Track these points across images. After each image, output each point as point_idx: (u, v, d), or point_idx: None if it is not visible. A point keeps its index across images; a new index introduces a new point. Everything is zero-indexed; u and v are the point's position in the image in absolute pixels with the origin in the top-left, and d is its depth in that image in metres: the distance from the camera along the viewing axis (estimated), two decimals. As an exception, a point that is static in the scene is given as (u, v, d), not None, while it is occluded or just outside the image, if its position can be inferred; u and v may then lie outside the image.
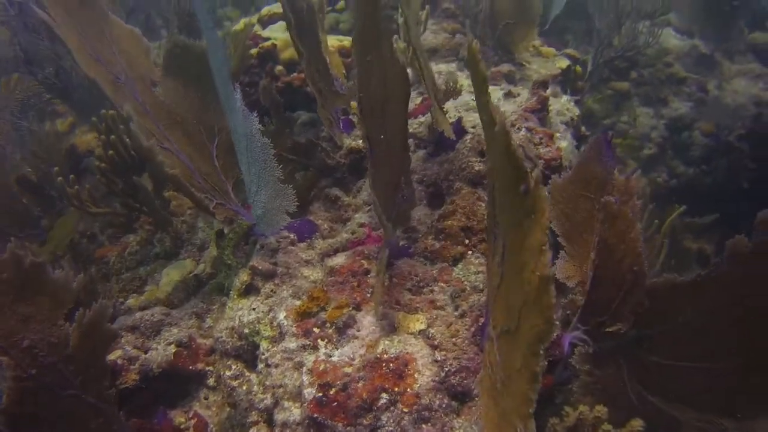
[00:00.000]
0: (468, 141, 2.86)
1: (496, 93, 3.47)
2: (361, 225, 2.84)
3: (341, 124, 3.41)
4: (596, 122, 5.67)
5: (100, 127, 3.46)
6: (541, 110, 3.07)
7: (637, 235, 1.98)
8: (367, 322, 2.31)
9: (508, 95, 3.32)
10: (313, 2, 3.26)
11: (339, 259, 2.62)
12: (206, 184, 3.11)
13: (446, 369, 2.10)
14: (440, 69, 4.18)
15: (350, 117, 3.57)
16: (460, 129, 2.94)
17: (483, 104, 1.62)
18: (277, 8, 4.82)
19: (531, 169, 1.37)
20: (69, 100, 4.55)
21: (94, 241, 4.10)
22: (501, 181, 1.54)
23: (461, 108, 3.34)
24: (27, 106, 4.49)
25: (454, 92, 2.93)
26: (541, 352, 1.27)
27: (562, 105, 3.77)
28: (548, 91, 3.71)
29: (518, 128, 2.89)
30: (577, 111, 3.82)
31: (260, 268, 2.63)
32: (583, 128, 3.92)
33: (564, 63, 4.22)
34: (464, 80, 4.01)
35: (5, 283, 2.15)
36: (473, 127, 3.00)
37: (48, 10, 3.01)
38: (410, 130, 3.26)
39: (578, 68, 4.75)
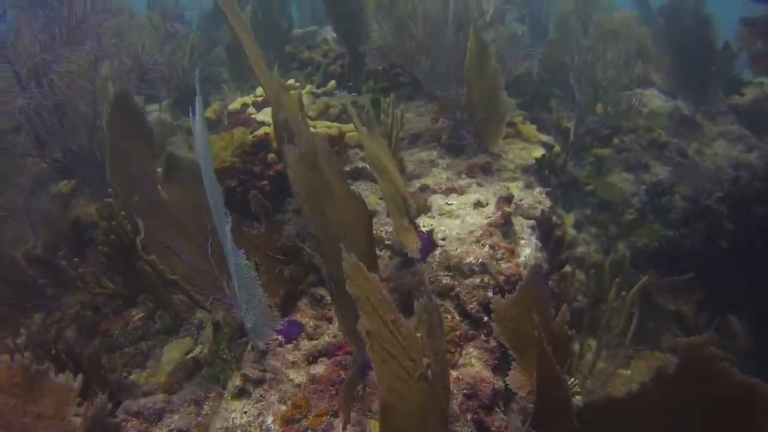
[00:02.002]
0: (437, 255, 3.35)
1: (469, 197, 3.94)
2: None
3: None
4: (579, 189, 6.15)
5: (103, 213, 3.98)
6: (505, 224, 3.54)
7: (558, 374, 2.45)
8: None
9: (477, 205, 3.78)
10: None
11: (320, 368, 3.09)
12: (203, 281, 3.58)
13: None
14: (421, 157, 4.67)
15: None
16: (430, 242, 3.42)
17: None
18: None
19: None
20: (75, 175, 5.01)
21: (99, 313, 4.57)
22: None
23: (435, 211, 3.84)
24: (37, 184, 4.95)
25: (424, 209, 3.43)
26: None
27: (534, 198, 4.25)
28: (520, 184, 4.23)
29: (482, 244, 3.36)
30: (548, 203, 4.30)
31: (251, 375, 3.11)
32: (554, 218, 4.40)
33: (539, 152, 4.68)
34: (442, 171, 4.52)
35: (17, 387, 2.64)
36: (443, 239, 3.48)
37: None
38: (384, 235, 3.77)
39: (556, 148, 5.23)
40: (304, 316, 3.52)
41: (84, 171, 4.78)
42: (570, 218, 5.97)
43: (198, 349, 3.92)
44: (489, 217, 3.60)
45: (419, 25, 4.69)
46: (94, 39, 4.42)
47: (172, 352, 3.99)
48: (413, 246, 3.12)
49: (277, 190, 4.41)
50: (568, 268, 4.35)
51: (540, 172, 4.73)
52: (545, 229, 4.18)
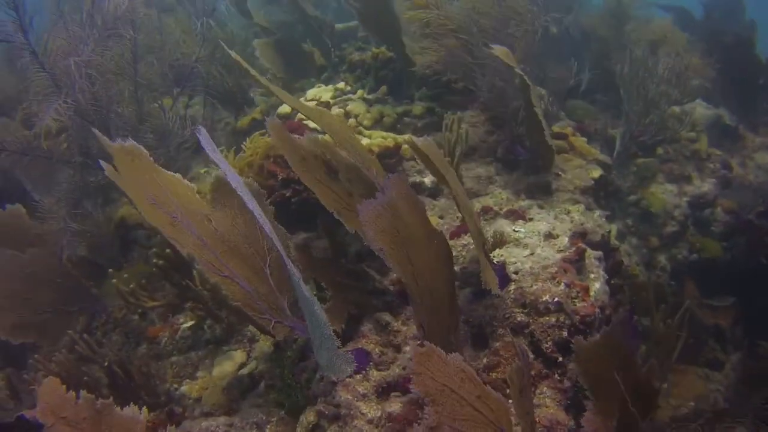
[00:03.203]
0: (512, 291, 3.35)
1: (536, 225, 3.96)
2: (411, 359, 3.33)
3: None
4: (622, 198, 6.15)
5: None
6: (578, 260, 3.55)
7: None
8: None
9: (549, 237, 3.79)
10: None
11: (395, 406, 3.11)
12: (264, 305, 3.59)
13: None
14: (478, 173, 4.67)
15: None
16: (503, 276, 3.43)
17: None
18: (323, 92, 5.32)
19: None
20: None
21: (145, 318, 4.59)
22: None
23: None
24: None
25: (500, 242, 3.43)
26: None
27: (594, 221, 4.26)
28: (581, 207, 4.23)
29: (558, 282, 3.37)
30: (607, 227, 4.32)
31: (326, 412, 3.13)
32: (614, 241, 4.42)
33: (597, 173, 4.69)
34: (500, 190, 4.52)
35: (85, 421, 2.68)
36: (516, 273, 3.49)
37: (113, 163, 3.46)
38: (453, 254, 3.77)
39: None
40: (369, 343, 3.54)
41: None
42: (613, 228, 5.98)
43: (252, 364, 3.93)
44: (562, 251, 3.61)
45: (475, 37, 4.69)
46: (128, 41, 4.40)
47: (224, 365, 4.01)
48: (494, 283, 3.12)
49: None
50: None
51: (597, 192, 4.74)
52: (604, 252, 4.19)
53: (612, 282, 4.31)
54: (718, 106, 7.21)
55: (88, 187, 4.77)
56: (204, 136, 2.78)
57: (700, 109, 7.03)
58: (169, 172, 3.69)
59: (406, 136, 4.76)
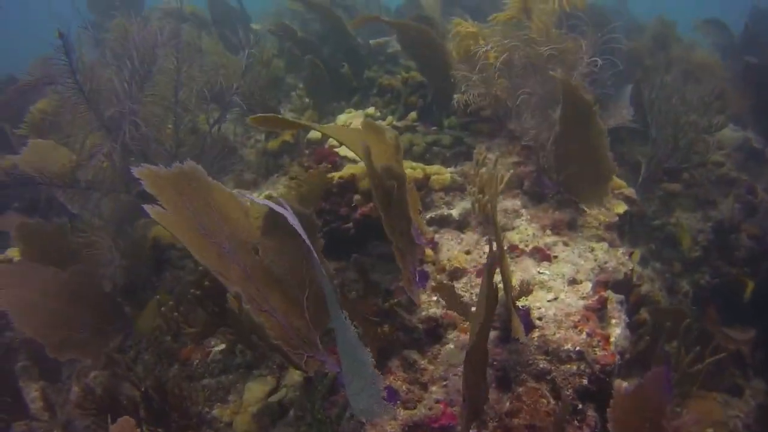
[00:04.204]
0: (536, 338, 3.54)
1: (561, 268, 4.13)
2: (437, 401, 3.53)
3: (417, 277, 4.09)
4: (646, 223, 6.30)
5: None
6: (601, 309, 3.73)
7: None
8: None
9: (572, 282, 3.97)
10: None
11: (423, 448, 3.33)
12: (298, 339, 3.78)
13: None
14: (506, 206, 4.84)
15: (425, 269, 4.27)
16: (528, 322, 3.62)
17: None
18: (353, 118, 5.49)
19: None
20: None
21: (178, 340, 4.80)
22: None
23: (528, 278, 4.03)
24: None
25: (527, 292, 3.62)
26: None
27: (617, 260, 4.41)
28: (605, 246, 4.40)
29: (580, 330, 3.54)
30: (630, 265, 4.48)
31: (356, 453, 3.35)
32: (636, 267, 4.59)
33: (622, 208, 4.84)
34: (527, 225, 4.69)
35: None
36: (539, 319, 3.68)
37: (158, 196, 3.53)
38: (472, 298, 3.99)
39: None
40: (397, 380, 3.74)
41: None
42: (636, 253, 6.13)
43: (282, 392, 4.13)
44: (585, 298, 3.78)
45: (510, 69, 4.84)
46: (170, 70, 4.58)
47: (255, 390, 4.21)
48: (521, 333, 3.30)
49: (362, 233, 4.59)
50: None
51: (622, 227, 4.89)
52: (626, 291, 4.36)
53: (633, 317, 4.50)
54: (746, 127, 7.31)
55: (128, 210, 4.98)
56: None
57: (728, 131, 7.13)
58: (225, 190, 3.86)
59: (435, 167, 4.94)
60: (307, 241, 3.07)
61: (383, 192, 3.77)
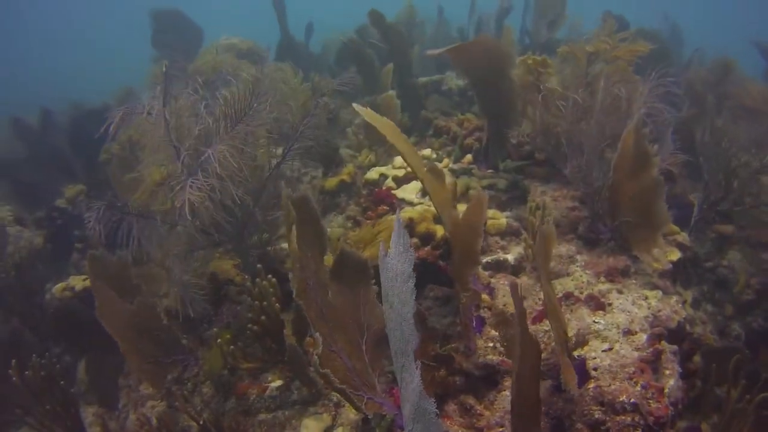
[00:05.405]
0: (591, 390, 3.71)
1: (616, 317, 4.29)
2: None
3: (474, 322, 4.28)
4: (699, 265, 6.40)
5: (253, 292, 4.40)
6: (655, 361, 3.89)
7: None
8: None
9: (627, 333, 4.13)
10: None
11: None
12: (359, 381, 3.98)
13: None
14: (560, 252, 5.00)
15: (481, 314, 4.45)
16: (583, 372, 3.78)
17: None
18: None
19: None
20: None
21: (235, 374, 5.02)
22: None
23: (583, 327, 4.19)
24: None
25: (582, 344, 3.79)
26: None
27: (671, 307, 4.55)
28: (659, 293, 4.54)
29: (635, 382, 3.71)
30: (684, 313, 4.62)
31: (415, 499, 3.52)
32: (687, 326, 4.72)
33: (676, 255, 4.98)
34: (581, 272, 4.85)
35: None
36: (595, 369, 3.84)
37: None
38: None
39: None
40: (453, 424, 3.91)
41: (224, 237, 5.20)
42: (688, 295, 6.24)
43: (339, 430, 4.32)
44: (639, 349, 3.93)
45: (567, 113, 5.01)
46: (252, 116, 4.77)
47: (311, 428, 4.38)
48: (573, 385, 3.46)
49: (419, 276, 4.76)
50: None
51: (675, 274, 5.03)
52: (679, 339, 4.49)
53: (686, 365, 4.62)
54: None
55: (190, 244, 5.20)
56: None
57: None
58: (321, 224, 4.17)
59: (492, 212, 5.12)
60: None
61: (456, 240, 3.99)
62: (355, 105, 3.80)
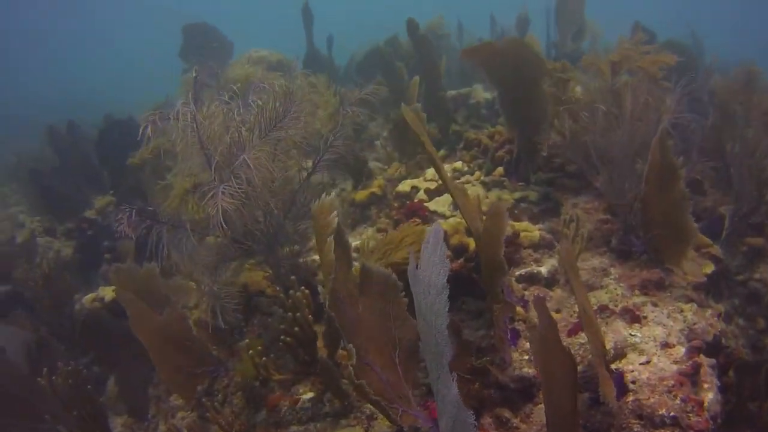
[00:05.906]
0: (630, 403, 3.70)
1: (653, 330, 4.28)
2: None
3: (509, 335, 4.28)
4: (730, 278, 6.37)
5: (287, 304, 4.42)
6: (694, 374, 3.88)
7: None
8: None
9: (665, 346, 4.12)
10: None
11: None
12: (393, 393, 3.99)
13: None
14: (593, 265, 5.01)
15: (516, 327, 4.46)
16: (621, 385, 3.78)
17: None
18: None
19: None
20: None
21: (266, 386, 5.03)
22: None
23: (620, 341, 4.19)
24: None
25: (620, 356, 3.79)
26: None
27: (706, 320, 4.55)
28: (694, 306, 4.53)
29: (674, 395, 3.70)
30: (719, 326, 4.61)
31: None
32: (723, 339, 4.70)
33: (710, 268, 4.98)
34: (615, 285, 4.84)
35: None
36: (633, 382, 3.83)
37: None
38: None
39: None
40: (489, 437, 3.93)
41: (257, 248, 5.23)
42: (719, 308, 6.21)
43: (372, 444, 4.33)
44: (678, 362, 3.92)
45: (598, 125, 5.02)
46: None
47: (344, 439, 4.40)
48: (612, 398, 3.46)
49: (452, 288, 4.77)
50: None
51: (708, 288, 5.02)
52: (716, 353, 4.47)
53: (722, 378, 4.60)
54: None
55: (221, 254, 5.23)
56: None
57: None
58: (345, 237, 4.19)
59: (524, 224, 5.13)
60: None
61: (481, 252, 3.99)
62: (403, 106, 3.82)
